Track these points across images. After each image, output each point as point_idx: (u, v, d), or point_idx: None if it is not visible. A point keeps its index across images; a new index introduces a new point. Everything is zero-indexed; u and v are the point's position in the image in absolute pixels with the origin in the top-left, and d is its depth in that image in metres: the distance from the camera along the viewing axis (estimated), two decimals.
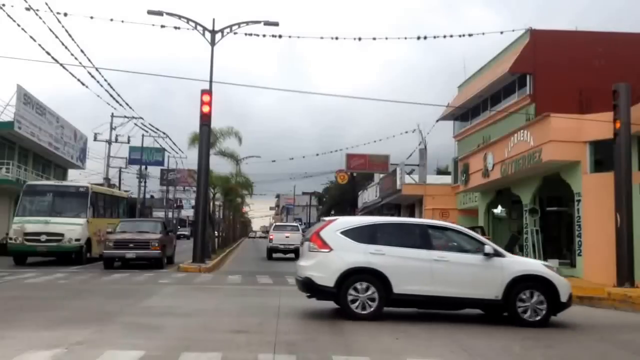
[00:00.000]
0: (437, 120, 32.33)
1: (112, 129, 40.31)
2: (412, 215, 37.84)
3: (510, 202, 24.52)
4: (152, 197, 74.93)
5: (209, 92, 21.21)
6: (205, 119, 21.05)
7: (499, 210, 25.51)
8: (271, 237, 30.43)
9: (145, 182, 55.10)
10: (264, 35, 22.40)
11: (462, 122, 30.91)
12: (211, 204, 30.73)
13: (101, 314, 9.75)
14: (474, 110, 28.93)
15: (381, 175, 43.29)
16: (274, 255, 29.88)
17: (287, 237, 29.80)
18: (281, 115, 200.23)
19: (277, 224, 38.14)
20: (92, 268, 20.15)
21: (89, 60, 25.21)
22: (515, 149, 20.48)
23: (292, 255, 28.27)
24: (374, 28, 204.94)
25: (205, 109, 20.84)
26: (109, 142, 40.78)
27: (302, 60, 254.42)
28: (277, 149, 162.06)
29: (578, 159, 18.42)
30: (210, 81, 21.99)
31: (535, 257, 20.93)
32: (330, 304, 10.21)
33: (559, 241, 21.89)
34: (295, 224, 38.00)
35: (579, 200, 18.75)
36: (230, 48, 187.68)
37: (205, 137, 21.52)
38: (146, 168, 54.93)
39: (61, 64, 20.93)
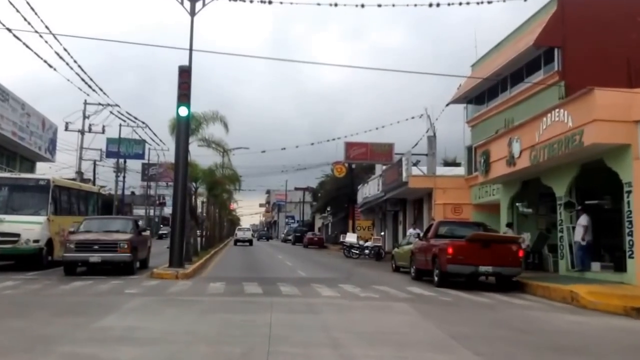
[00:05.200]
0: (447, 104, 29.63)
1: (85, 117, 37.20)
2: (419, 211, 35.10)
3: (538, 195, 21.76)
4: (132, 193, 71.57)
5: (187, 68, 18.55)
6: (184, 99, 18.35)
7: (523, 205, 22.58)
8: (237, 234, 59.04)
9: (124, 176, 51.77)
10: (250, 1, 19.38)
11: (477, 105, 28.23)
12: (193, 199, 27.76)
13: (36, 340, 7.77)
14: (490, 92, 26.21)
15: (384, 167, 39.97)
16: (238, 243, 53.30)
17: (244, 234, 57.27)
18: (271, 104, 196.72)
19: (239, 227, 67.77)
20: (51, 274, 17.65)
21: (56, 38, 22.37)
22: (549, 131, 17.68)
23: (248, 243, 53.56)
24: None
25: (184, 87, 18.29)
26: (82, 132, 37.72)
27: (294, 42, 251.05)
28: (267, 141, 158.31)
29: (628, 141, 15.66)
30: (190, 55, 19.17)
31: (573, 259, 18.07)
32: (335, 321, 8.69)
33: (599, 241, 18.90)
34: (249, 227, 71.53)
35: (629, 192, 15.92)
36: (215, 29, 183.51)
37: (184, 121, 18.69)
38: (125, 161, 51.66)
39: (24, 43, 18.93)
